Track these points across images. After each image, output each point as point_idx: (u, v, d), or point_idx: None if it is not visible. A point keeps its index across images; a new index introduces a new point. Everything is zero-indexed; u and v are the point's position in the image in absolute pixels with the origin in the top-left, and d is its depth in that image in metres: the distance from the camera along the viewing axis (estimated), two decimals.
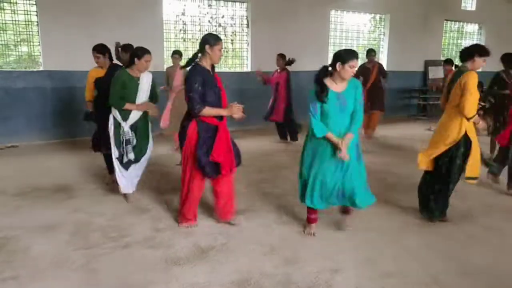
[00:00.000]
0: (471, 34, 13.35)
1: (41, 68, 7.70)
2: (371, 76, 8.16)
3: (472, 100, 3.74)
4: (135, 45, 4.63)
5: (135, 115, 4.42)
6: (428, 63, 12.09)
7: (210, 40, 3.63)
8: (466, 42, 13.06)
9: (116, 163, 4.45)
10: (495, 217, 4.36)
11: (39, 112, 7.68)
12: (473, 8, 12.61)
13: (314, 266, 3.31)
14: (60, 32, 7.54)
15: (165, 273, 3.18)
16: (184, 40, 9.06)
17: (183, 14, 8.88)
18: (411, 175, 5.28)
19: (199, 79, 3.58)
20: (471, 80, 3.76)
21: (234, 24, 9.47)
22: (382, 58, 11.57)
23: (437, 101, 10.61)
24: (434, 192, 4.12)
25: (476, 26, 13.28)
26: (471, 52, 3.91)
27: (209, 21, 9.18)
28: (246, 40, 9.56)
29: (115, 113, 4.39)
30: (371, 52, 8.29)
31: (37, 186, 5.15)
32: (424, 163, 4.14)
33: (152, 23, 8.31)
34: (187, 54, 8.96)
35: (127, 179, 4.54)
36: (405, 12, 11.44)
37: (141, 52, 4.31)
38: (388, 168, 6.21)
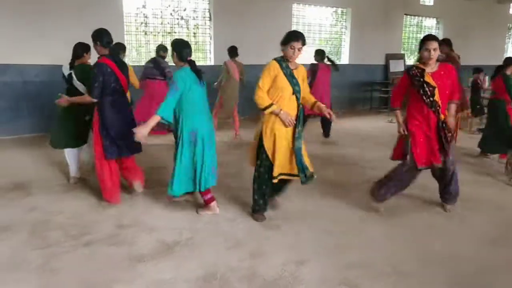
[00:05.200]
0: (430, 29, 13.70)
1: None
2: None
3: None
4: None
5: None
6: (389, 57, 12.33)
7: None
8: None
9: None
10: (455, 206, 4.39)
11: None
12: (431, 3, 12.96)
13: (279, 258, 3.30)
14: (9, 26, 7.20)
15: (129, 271, 3.10)
16: (146, 34, 8.87)
17: (143, 6, 8.69)
18: (377, 166, 5.34)
19: None
20: None
21: (196, 17, 9.34)
22: (344, 52, 11.72)
23: None
24: None
25: (434, 21, 13.65)
26: None
27: (171, 14, 9.03)
28: (209, 33, 9.46)
29: None
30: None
31: None
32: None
33: (112, 16, 8.07)
34: (149, 48, 8.81)
35: None
36: (366, 6, 11.61)
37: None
38: (354, 159, 6.31)
